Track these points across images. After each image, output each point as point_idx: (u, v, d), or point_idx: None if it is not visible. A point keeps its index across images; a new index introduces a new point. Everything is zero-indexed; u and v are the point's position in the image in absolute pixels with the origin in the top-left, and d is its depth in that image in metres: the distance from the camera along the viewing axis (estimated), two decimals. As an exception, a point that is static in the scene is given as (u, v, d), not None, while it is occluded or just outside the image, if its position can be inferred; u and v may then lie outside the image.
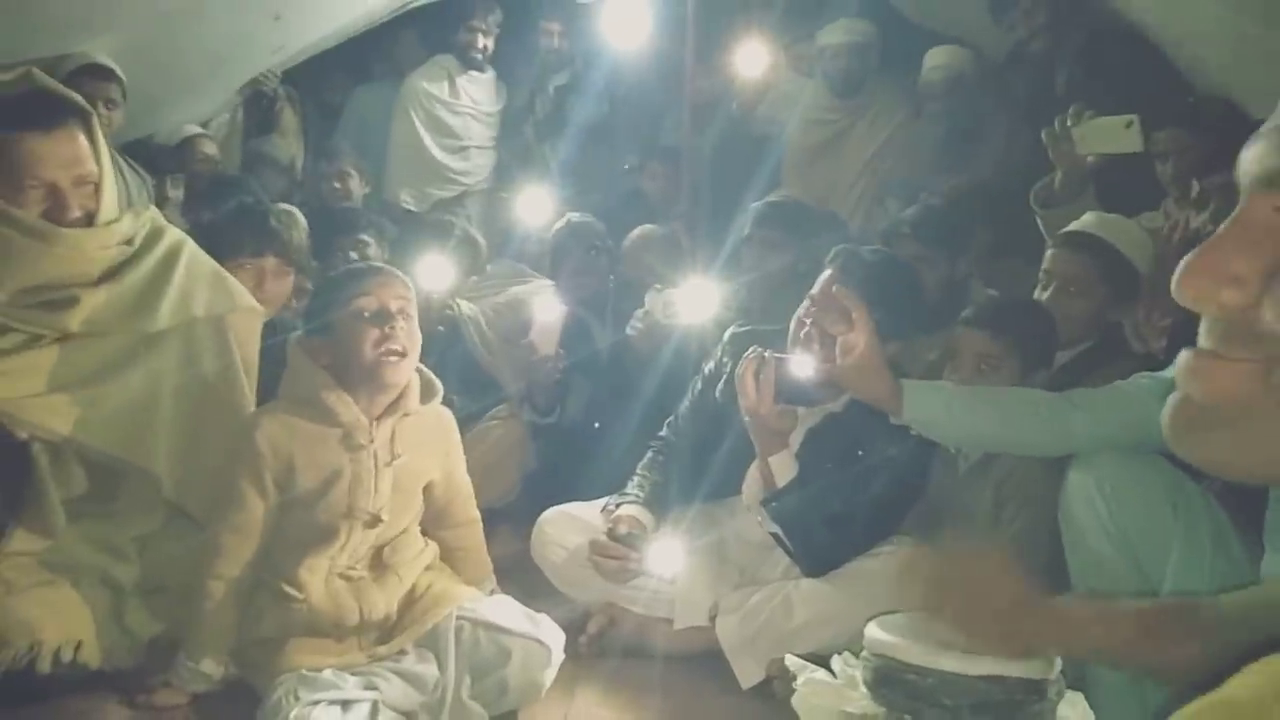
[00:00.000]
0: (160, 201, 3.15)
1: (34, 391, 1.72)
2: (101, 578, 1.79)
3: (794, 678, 1.16)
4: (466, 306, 3.10)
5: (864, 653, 1.03)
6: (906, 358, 2.02)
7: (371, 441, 1.77)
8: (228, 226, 2.33)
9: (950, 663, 0.95)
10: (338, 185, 3.87)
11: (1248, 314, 0.48)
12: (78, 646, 1.68)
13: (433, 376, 1.91)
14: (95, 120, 1.74)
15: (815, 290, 1.85)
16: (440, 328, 2.90)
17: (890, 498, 1.87)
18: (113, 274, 1.78)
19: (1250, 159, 0.50)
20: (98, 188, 1.72)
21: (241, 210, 2.42)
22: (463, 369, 2.91)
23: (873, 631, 1.02)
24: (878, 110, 3.69)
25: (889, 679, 0.98)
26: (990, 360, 1.95)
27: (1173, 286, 0.51)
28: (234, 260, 2.15)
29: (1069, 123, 2.43)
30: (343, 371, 1.78)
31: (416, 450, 1.83)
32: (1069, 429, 1.58)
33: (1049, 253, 2.22)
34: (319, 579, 1.74)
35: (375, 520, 1.77)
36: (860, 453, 1.86)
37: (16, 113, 1.64)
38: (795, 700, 1.17)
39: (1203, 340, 0.51)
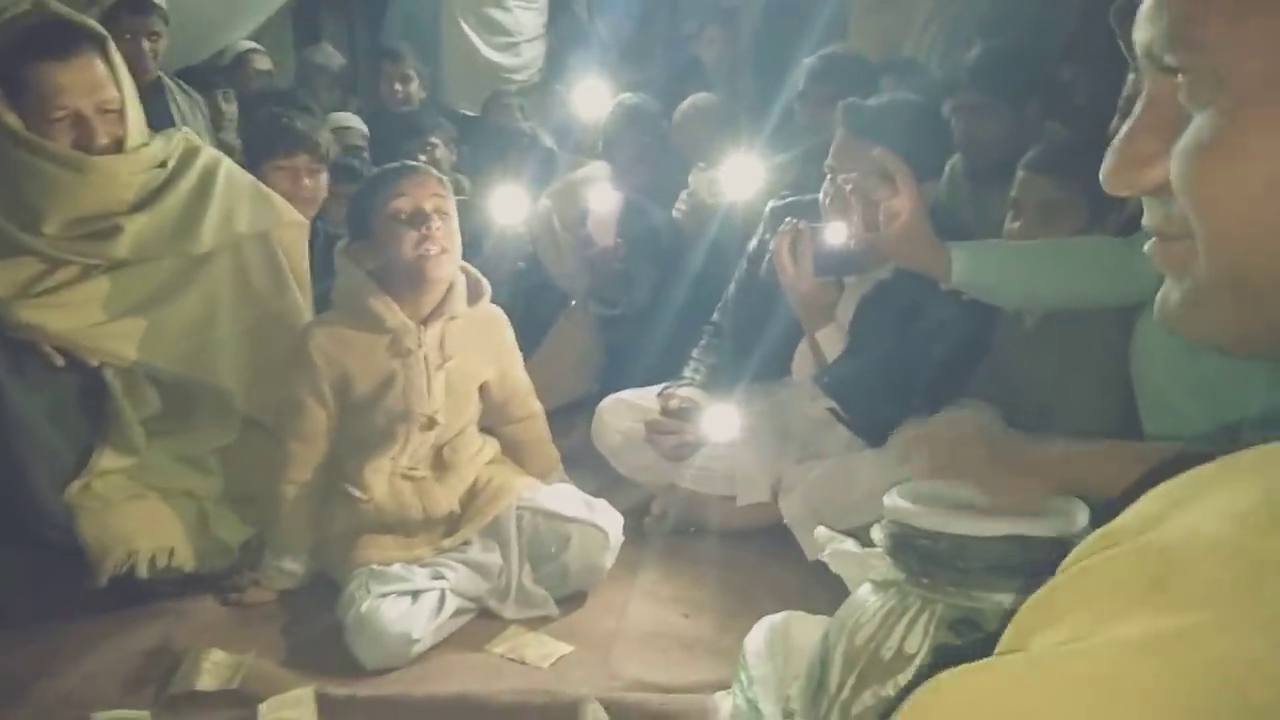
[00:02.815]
0: (215, 119, 3.20)
1: (97, 320, 1.80)
2: (186, 490, 1.90)
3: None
4: (542, 206, 3.06)
5: (883, 519, 1.00)
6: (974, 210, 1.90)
7: (420, 346, 1.79)
8: (258, 132, 2.42)
9: (962, 526, 0.91)
10: (399, 87, 3.83)
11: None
12: (170, 553, 1.80)
13: (480, 276, 1.91)
14: (111, 45, 1.75)
15: (835, 154, 1.73)
16: (521, 264, 2.86)
17: (950, 362, 1.79)
18: (151, 199, 1.82)
19: (1136, 40, 0.49)
20: (122, 113, 1.74)
21: (269, 116, 2.46)
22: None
23: (889, 498, 0.99)
24: (949, -59, 3.37)
25: (904, 544, 0.95)
26: (1055, 207, 1.79)
27: (1102, 182, 0.51)
28: (269, 163, 2.19)
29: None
30: (386, 275, 1.79)
31: (467, 351, 1.85)
32: (1135, 276, 1.46)
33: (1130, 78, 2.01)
34: (382, 480, 1.80)
35: (431, 422, 1.81)
36: (916, 318, 1.77)
37: (33, 42, 1.66)
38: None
39: (1145, 222, 0.51)
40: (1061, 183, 1.79)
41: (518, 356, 1.99)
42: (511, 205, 2.55)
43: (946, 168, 2.28)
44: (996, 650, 0.39)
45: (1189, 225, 0.47)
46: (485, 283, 1.90)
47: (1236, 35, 0.43)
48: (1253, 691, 0.32)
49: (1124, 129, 0.50)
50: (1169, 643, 0.33)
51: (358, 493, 1.79)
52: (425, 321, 1.81)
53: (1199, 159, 0.45)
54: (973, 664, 0.37)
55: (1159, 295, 0.51)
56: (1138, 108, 0.50)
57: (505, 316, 1.97)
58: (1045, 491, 0.98)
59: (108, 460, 1.83)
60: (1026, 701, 0.34)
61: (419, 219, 1.75)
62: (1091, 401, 1.70)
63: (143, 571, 1.76)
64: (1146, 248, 0.51)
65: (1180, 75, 0.46)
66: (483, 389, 1.93)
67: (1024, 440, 1.14)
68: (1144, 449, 1.00)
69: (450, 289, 1.83)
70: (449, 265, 1.80)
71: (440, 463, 1.85)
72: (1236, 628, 0.33)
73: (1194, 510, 0.36)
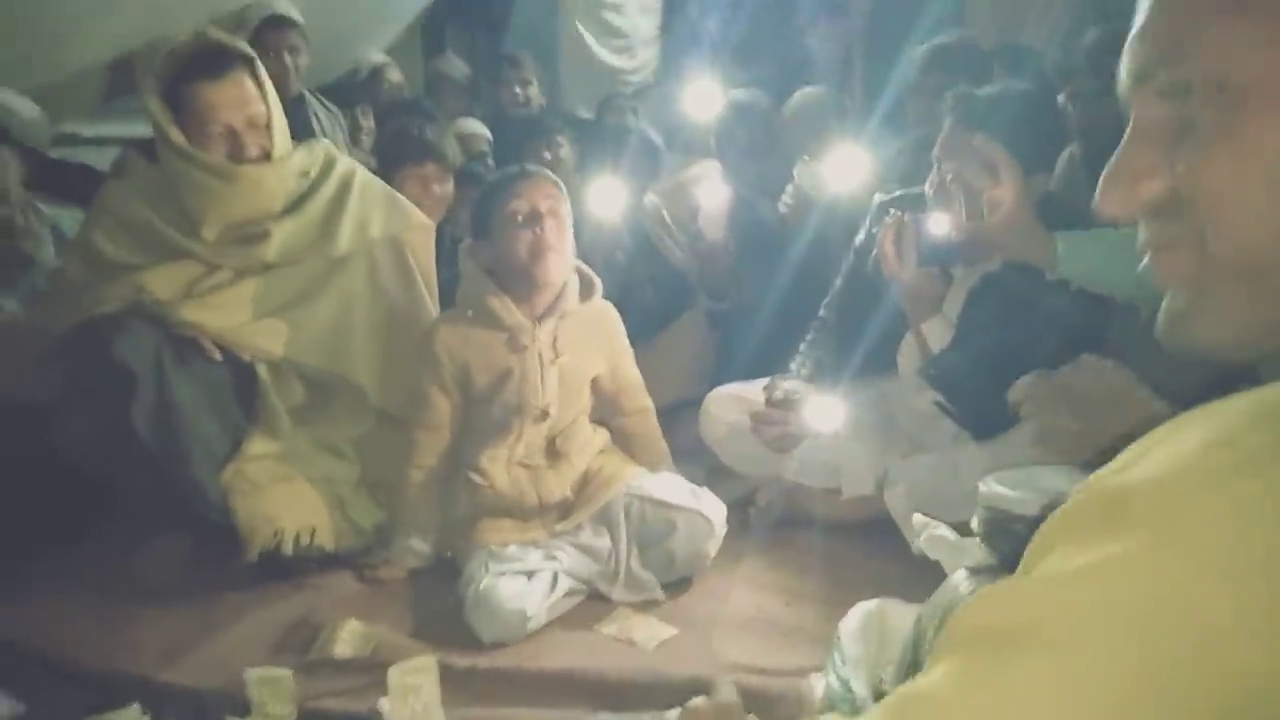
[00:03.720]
0: (354, 133, 3.41)
1: (248, 319, 1.98)
2: (326, 475, 2.06)
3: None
4: (649, 201, 3.13)
5: (979, 506, 1.01)
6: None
7: (535, 342, 1.89)
8: (389, 143, 2.59)
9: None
10: (518, 91, 3.96)
11: (1169, 195, 0.50)
12: (313, 533, 1.96)
13: (592, 274, 1.99)
14: (258, 64, 1.92)
15: (943, 144, 1.73)
16: (620, 254, 2.92)
17: (1060, 352, 1.74)
18: (295, 206, 1.99)
19: (1124, 69, 0.52)
20: (269, 127, 1.91)
21: (400, 127, 2.62)
22: (663, 275, 2.95)
23: (985, 485, 1.01)
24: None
25: (998, 529, 0.97)
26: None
27: (1096, 206, 0.53)
28: (400, 172, 2.34)
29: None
30: (504, 274, 1.90)
31: (579, 347, 1.94)
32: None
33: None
34: (500, 467, 1.91)
35: (544, 414, 1.91)
36: (1024, 310, 1.75)
37: (192, 66, 1.85)
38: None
39: (1141, 240, 0.53)
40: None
41: (629, 352, 2.06)
42: (608, 197, 2.61)
43: (1065, 156, 2.22)
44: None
45: (1188, 232, 0.49)
46: (597, 280, 1.98)
47: (1231, 38, 0.46)
48: (1183, 602, 0.36)
49: (1114, 156, 0.52)
50: (1117, 565, 0.38)
51: (478, 479, 1.90)
52: (540, 319, 1.90)
53: (1206, 156, 0.48)
54: (986, 588, 0.43)
55: (1161, 311, 0.53)
56: (1127, 133, 0.52)
57: (616, 313, 2.05)
58: None
59: (258, 446, 2.01)
60: (1012, 614, 0.39)
61: (533, 220, 1.85)
62: (1214, 393, 1.63)
63: (288, 549, 1.92)
64: (1141, 267, 0.53)
65: (1175, 88, 0.49)
66: (594, 383, 2.01)
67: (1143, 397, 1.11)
68: None
69: (564, 287, 1.92)
70: (561, 266, 1.89)
71: (554, 452, 1.94)
72: (1167, 547, 0.37)
73: (1154, 454, 0.40)
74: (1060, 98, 2.29)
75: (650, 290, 2.98)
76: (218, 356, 1.93)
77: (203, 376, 1.92)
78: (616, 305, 2.08)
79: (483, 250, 1.94)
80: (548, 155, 3.15)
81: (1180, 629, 0.36)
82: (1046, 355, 1.76)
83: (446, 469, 1.98)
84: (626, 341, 2.06)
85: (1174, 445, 0.40)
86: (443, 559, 1.95)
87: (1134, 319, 1.82)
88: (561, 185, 1.94)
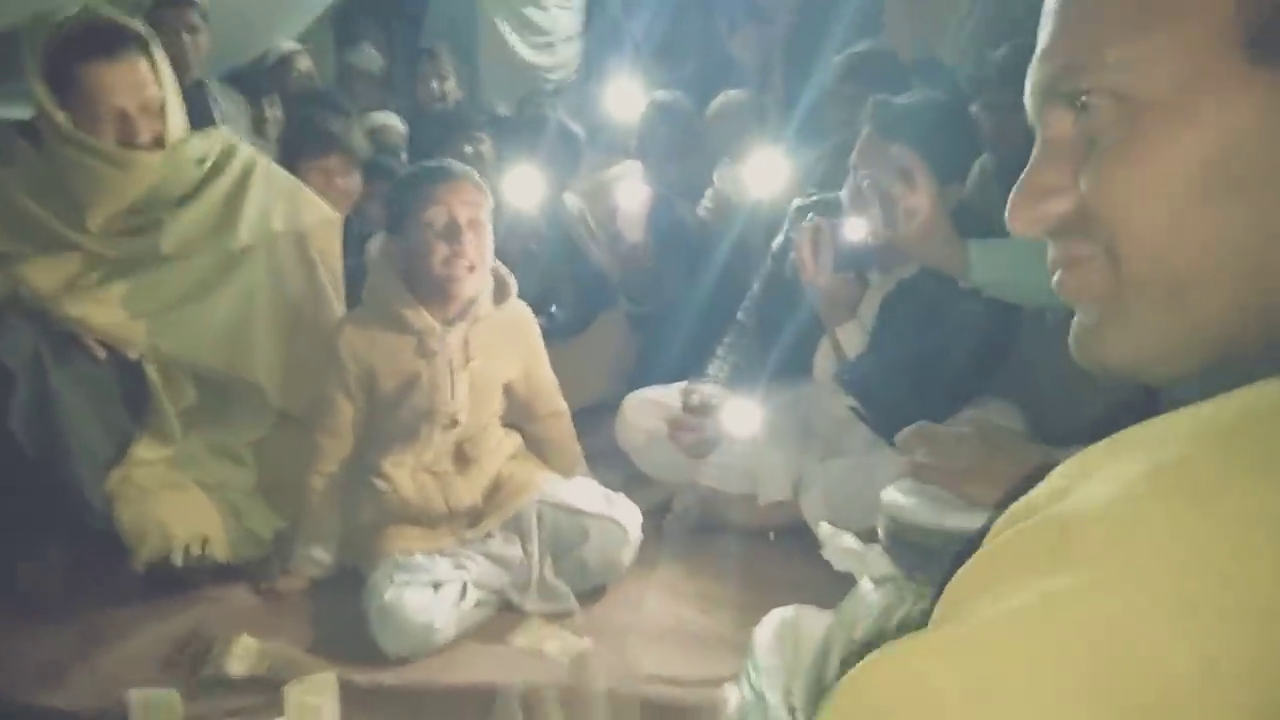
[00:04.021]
0: (260, 123, 3.27)
1: (138, 314, 1.86)
2: (221, 481, 1.96)
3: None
4: (570, 201, 3.08)
5: (880, 515, 1.00)
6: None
7: (445, 347, 1.81)
8: (293, 134, 2.52)
9: (955, 520, 0.92)
10: (435, 85, 3.87)
11: (1077, 212, 0.49)
12: (205, 542, 1.86)
13: (507, 275, 1.92)
14: (155, 46, 1.81)
15: (860, 151, 1.74)
16: (534, 246, 2.86)
17: (972, 360, 1.78)
18: (191, 195, 1.89)
19: (1031, 84, 0.52)
20: (163, 111, 1.80)
21: (303, 119, 2.53)
22: (585, 274, 2.91)
23: (885, 493, 1.00)
24: (987, -66, 3.33)
25: (899, 540, 0.96)
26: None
27: (1007, 223, 0.52)
28: (303, 163, 2.25)
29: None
30: (415, 276, 1.82)
31: (491, 352, 1.86)
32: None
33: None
34: (406, 474, 1.84)
35: (453, 421, 1.84)
36: (937, 316, 1.77)
37: (81, 45, 1.73)
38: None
39: (1051, 257, 0.52)
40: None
41: (543, 355, 2.01)
42: (525, 187, 2.55)
43: (976, 167, 2.26)
44: (930, 623, 0.40)
45: (1098, 248, 0.49)
46: (512, 281, 1.92)
47: (1130, 52, 0.46)
48: (1135, 645, 0.33)
49: (1023, 174, 0.52)
50: (1060, 603, 0.35)
51: (383, 485, 1.83)
52: (451, 322, 1.83)
53: (1114, 170, 0.47)
54: (897, 641, 0.39)
55: (1073, 329, 0.52)
56: (1035, 149, 0.52)
57: (531, 315, 1.99)
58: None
59: (146, 450, 1.90)
60: (940, 672, 0.36)
61: (451, 231, 1.75)
62: (1116, 401, 1.67)
63: (178, 559, 1.82)
64: (1053, 283, 0.52)
65: (1080, 102, 0.49)
66: (507, 387, 1.95)
67: (1034, 444, 1.14)
68: None
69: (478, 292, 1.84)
70: (476, 282, 1.80)
71: (463, 458, 1.88)
72: (1116, 585, 0.34)
73: (1092, 482, 0.38)
74: (973, 108, 2.33)
75: (570, 289, 2.95)
76: (102, 354, 1.82)
77: (86, 375, 1.81)
78: (535, 303, 2.02)
79: (394, 248, 1.85)
80: (468, 150, 3.08)
81: (1138, 677, 0.33)
82: (957, 362, 1.79)
83: (350, 474, 1.89)
84: (541, 344, 2.01)
85: (1115, 471, 0.37)
86: (345, 568, 1.87)
87: (1042, 326, 1.86)
88: (485, 189, 1.85)
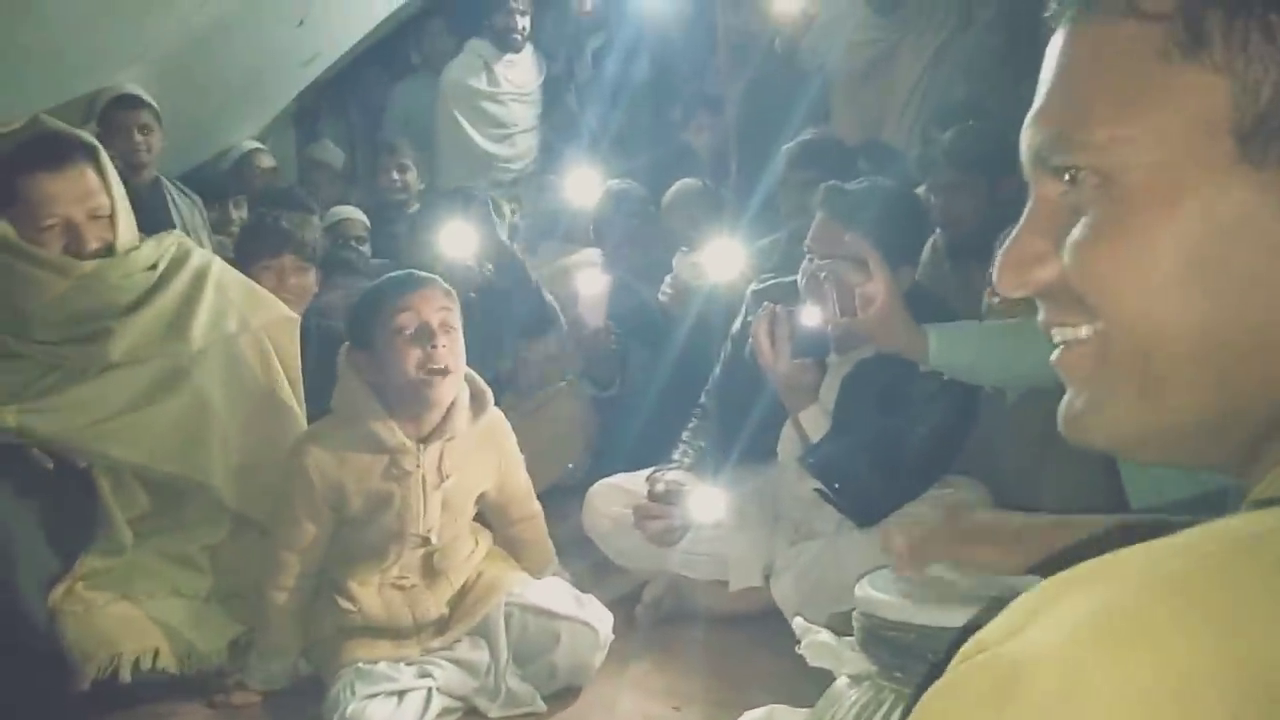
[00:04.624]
0: (223, 224, 3.27)
1: (87, 421, 1.81)
2: (174, 589, 1.88)
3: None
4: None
5: (855, 611, 0.98)
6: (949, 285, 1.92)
7: (419, 467, 1.74)
8: (244, 234, 2.48)
9: (927, 616, 0.90)
10: (396, 178, 3.92)
11: (1063, 280, 0.49)
12: (155, 655, 1.78)
13: (483, 386, 1.86)
14: (103, 155, 1.80)
15: (814, 236, 1.77)
16: (473, 294, 2.80)
17: (935, 440, 1.79)
18: (142, 301, 1.85)
19: (1024, 143, 0.51)
20: (112, 219, 1.79)
21: (256, 217, 2.53)
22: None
23: (860, 588, 0.98)
24: (924, 25, 3.47)
25: (875, 636, 0.94)
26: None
27: (994, 283, 0.54)
28: (256, 264, 2.23)
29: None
30: (387, 389, 1.74)
31: (467, 467, 1.81)
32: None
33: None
34: (371, 590, 1.78)
35: (425, 541, 1.79)
36: (898, 397, 1.78)
37: (28, 156, 1.72)
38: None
39: (1040, 320, 0.52)
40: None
41: (519, 461, 1.94)
42: (458, 240, 2.57)
43: (927, 246, 2.31)
44: None
45: (1088, 321, 0.48)
46: (488, 393, 1.85)
47: (1123, 134, 0.46)
48: None
49: (1014, 230, 0.51)
50: None
51: (346, 604, 1.76)
52: (425, 440, 1.75)
53: (1094, 251, 0.47)
54: None
55: (1062, 405, 0.51)
56: (1026, 210, 0.51)
57: (506, 423, 1.92)
58: (1029, 558, 0.98)
59: (93, 562, 1.82)
60: None
61: (423, 336, 1.70)
62: (1076, 476, 1.69)
63: (126, 675, 1.73)
64: (1053, 359, 0.52)
65: (1068, 175, 0.48)
66: (481, 496, 1.89)
67: (1007, 514, 1.13)
68: (1127, 520, 1.00)
69: (453, 405, 1.77)
70: (451, 386, 1.74)
71: (431, 570, 1.82)
72: None
73: (1044, 620, 0.37)
74: (921, 189, 2.40)
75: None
76: (48, 464, 1.76)
77: (30, 488, 1.74)
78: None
79: (363, 361, 1.76)
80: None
81: None
82: (920, 442, 1.79)
83: (312, 586, 1.82)
84: (516, 450, 1.93)
85: (1069, 610, 0.37)
86: (304, 679, 1.80)
87: (1001, 405, 1.88)
88: (454, 293, 1.80)
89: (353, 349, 1.79)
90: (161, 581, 1.89)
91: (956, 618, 0.91)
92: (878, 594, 0.97)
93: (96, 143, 1.82)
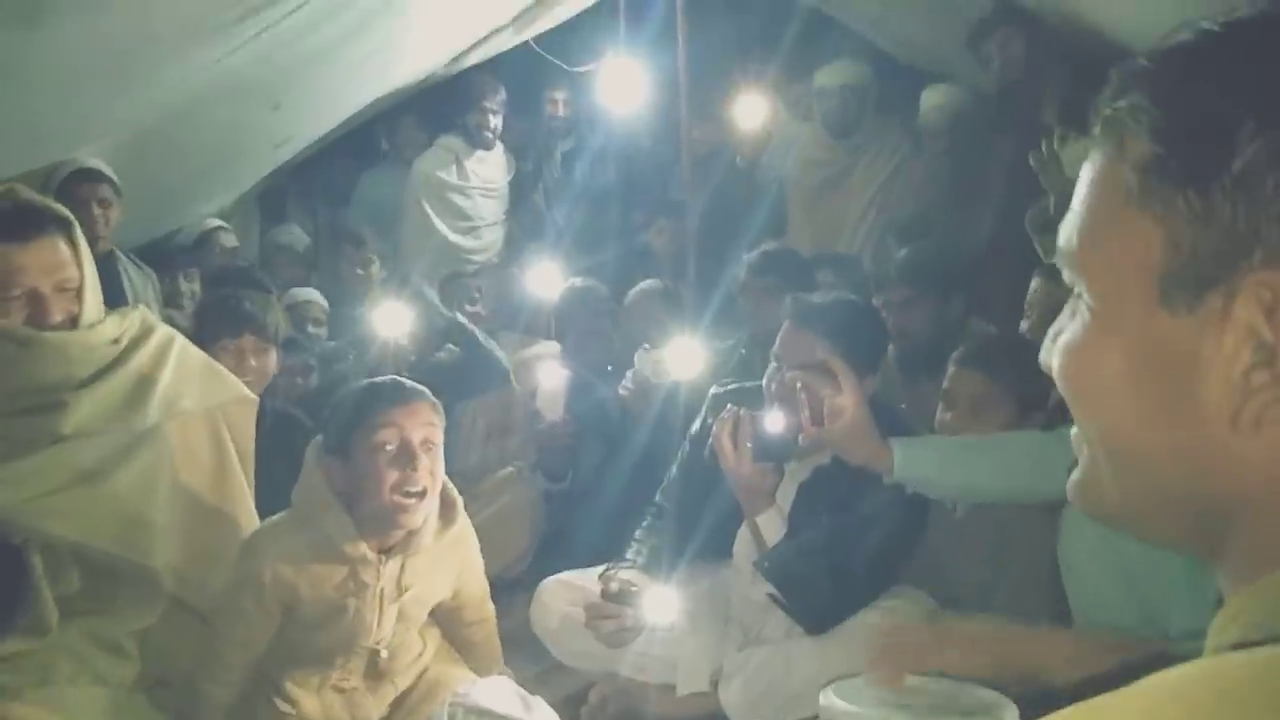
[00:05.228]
0: (174, 297, 3.24)
1: (30, 495, 1.75)
2: (96, 676, 1.79)
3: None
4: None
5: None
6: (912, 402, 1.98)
7: (378, 579, 1.69)
8: (206, 313, 2.47)
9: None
10: (360, 272, 3.93)
11: None
12: (72, 751, 1.68)
13: (455, 495, 1.80)
14: (76, 228, 1.79)
15: (782, 344, 1.82)
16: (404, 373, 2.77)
17: (887, 549, 1.82)
18: (100, 375, 1.82)
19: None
20: (80, 292, 1.77)
21: (218, 297, 2.52)
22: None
23: (824, 697, 0.99)
24: (876, 150, 3.68)
25: (838, 748, 0.94)
26: (985, 402, 1.89)
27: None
28: (216, 344, 2.22)
29: (1055, 146, 2.40)
30: (356, 500, 1.67)
31: (427, 579, 1.76)
32: (1058, 470, 1.52)
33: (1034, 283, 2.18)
34: (310, 692, 1.73)
35: (374, 653, 1.74)
36: (852, 505, 1.81)
37: None
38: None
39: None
40: (992, 379, 1.89)
41: (479, 568, 1.88)
42: (391, 319, 2.66)
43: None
44: None
45: None
46: (459, 503, 1.78)
47: (1090, 260, 0.53)
48: None
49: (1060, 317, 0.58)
50: None
51: (284, 705, 1.71)
52: (388, 553, 1.69)
53: (1064, 355, 0.54)
54: None
55: (1070, 477, 0.57)
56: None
57: (472, 532, 1.86)
58: (983, 664, 1.00)
59: (14, 644, 1.74)
60: None
61: (405, 456, 1.62)
62: (1022, 590, 1.72)
63: (39, 772, 1.63)
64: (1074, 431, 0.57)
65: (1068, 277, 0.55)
66: (437, 605, 1.85)
67: (961, 619, 1.15)
68: (1114, 641, 1.03)
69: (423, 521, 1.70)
70: (425, 509, 1.67)
71: (375, 672, 1.77)
72: None
73: None
74: (875, 302, 2.50)
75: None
76: (-20, 539, 1.69)
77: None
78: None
79: (335, 468, 1.68)
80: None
81: None
82: (871, 551, 1.82)
83: (249, 682, 1.75)
84: (478, 557, 1.88)
85: None
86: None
87: (950, 518, 1.92)
88: (439, 407, 1.72)
89: (326, 453, 1.71)
90: (85, 667, 1.79)
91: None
92: (842, 703, 0.97)
93: (70, 215, 1.81)
